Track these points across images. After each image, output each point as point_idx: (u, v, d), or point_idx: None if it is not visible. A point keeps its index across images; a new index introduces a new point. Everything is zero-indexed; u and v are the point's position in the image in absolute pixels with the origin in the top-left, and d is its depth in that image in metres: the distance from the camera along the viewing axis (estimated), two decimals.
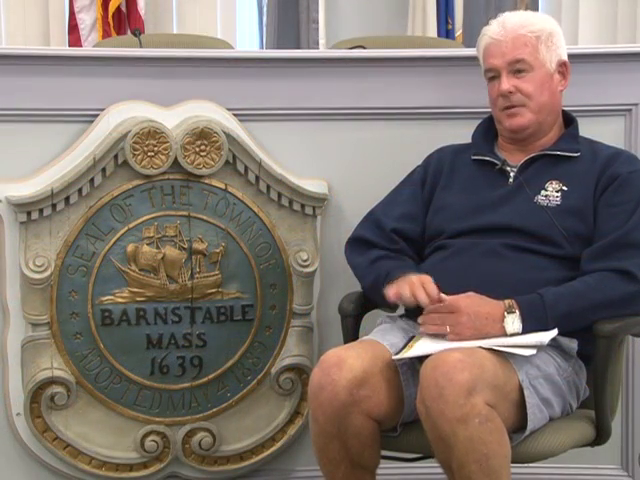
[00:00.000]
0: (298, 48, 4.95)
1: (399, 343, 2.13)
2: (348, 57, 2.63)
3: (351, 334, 2.30)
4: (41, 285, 2.43)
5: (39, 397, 2.47)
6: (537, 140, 2.31)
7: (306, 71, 2.56)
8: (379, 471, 2.13)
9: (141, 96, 2.49)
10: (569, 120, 2.36)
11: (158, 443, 2.53)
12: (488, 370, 1.94)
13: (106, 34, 4.76)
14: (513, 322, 2.06)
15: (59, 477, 2.56)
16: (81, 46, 4.73)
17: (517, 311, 2.07)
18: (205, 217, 2.50)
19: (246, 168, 2.50)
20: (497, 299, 2.09)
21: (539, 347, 2.04)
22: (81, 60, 2.51)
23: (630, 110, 2.61)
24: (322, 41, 5.08)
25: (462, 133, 2.43)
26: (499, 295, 2.09)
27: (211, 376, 2.54)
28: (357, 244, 2.35)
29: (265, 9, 5.21)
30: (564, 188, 2.24)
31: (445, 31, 5.22)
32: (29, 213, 2.41)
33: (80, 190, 2.43)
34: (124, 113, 2.46)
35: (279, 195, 2.53)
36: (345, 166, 2.60)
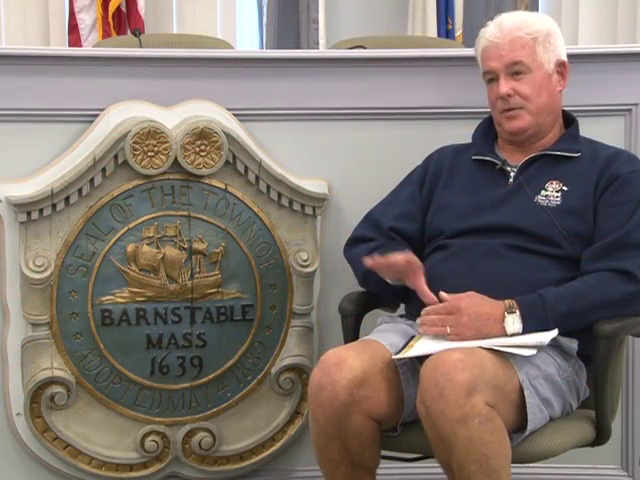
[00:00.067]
0: (298, 48, 4.95)
1: (399, 343, 2.13)
2: (348, 57, 2.63)
3: (351, 334, 2.30)
4: (41, 285, 2.43)
5: (39, 397, 2.47)
6: (537, 141, 2.30)
7: (306, 71, 2.56)
8: (379, 471, 2.13)
9: (141, 96, 2.49)
10: (570, 120, 2.36)
11: (158, 443, 2.53)
12: (488, 370, 1.94)
13: (106, 34, 4.76)
14: (513, 322, 2.06)
15: (59, 477, 2.56)
16: (81, 46, 4.73)
17: (517, 311, 2.07)
18: (205, 217, 2.50)
19: (246, 168, 2.50)
20: (497, 299, 2.09)
21: (539, 347, 2.04)
22: (81, 60, 2.51)
23: (630, 110, 2.61)
24: (322, 41, 5.08)
25: (462, 133, 2.43)
26: (499, 295, 2.09)
27: (211, 376, 2.54)
28: (356, 244, 2.35)
29: (265, 9, 5.20)
30: (564, 188, 2.24)
31: (445, 31, 5.22)
32: (29, 213, 2.41)
33: (80, 190, 2.43)
34: (124, 113, 2.46)
35: (279, 195, 2.53)
36: (345, 166, 2.60)
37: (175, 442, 2.54)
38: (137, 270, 2.47)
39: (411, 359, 2.08)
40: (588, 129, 2.38)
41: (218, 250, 2.50)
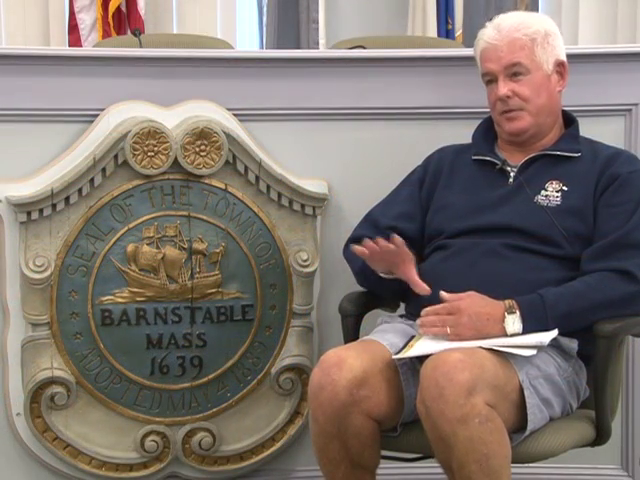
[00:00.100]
0: (298, 48, 4.95)
1: (399, 343, 2.13)
2: (348, 57, 2.63)
3: (351, 334, 2.30)
4: (41, 285, 2.43)
5: (39, 397, 2.47)
6: (537, 141, 2.30)
7: (306, 71, 2.56)
8: (379, 471, 2.13)
9: (141, 96, 2.49)
10: (570, 120, 2.36)
11: (158, 443, 2.53)
12: (488, 370, 1.94)
13: (106, 34, 4.76)
14: (513, 323, 2.06)
15: (59, 477, 2.56)
16: (81, 46, 4.73)
17: (517, 311, 2.07)
18: (205, 217, 2.50)
19: (246, 168, 2.50)
20: (497, 299, 2.09)
21: (539, 347, 2.04)
22: (81, 60, 2.51)
23: (630, 110, 2.61)
24: (322, 41, 5.08)
25: (462, 133, 2.43)
26: (499, 295, 2.09)
27: (211, 376, 2.54)
28: (354, 244, 2.35)
29: (265, 9, 5.21)
30: (564, 188, 2.24)
31: (445, 31, 5.22)
32: (29, 213, 2.41)
33: (80, 190, 2.43)
34: (124, 113, 2.46)
35: (279, 195, 2.53)
36: (345, 166, 2.60)
37: (175, 442, 2.54)
38: (137, 270, 2.47)
39: (411, 359, 2.08)
40: (588, 129, 2.38)
41: (218, 250, 2.50)
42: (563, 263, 2.18)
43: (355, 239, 2.35)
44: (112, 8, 4.77)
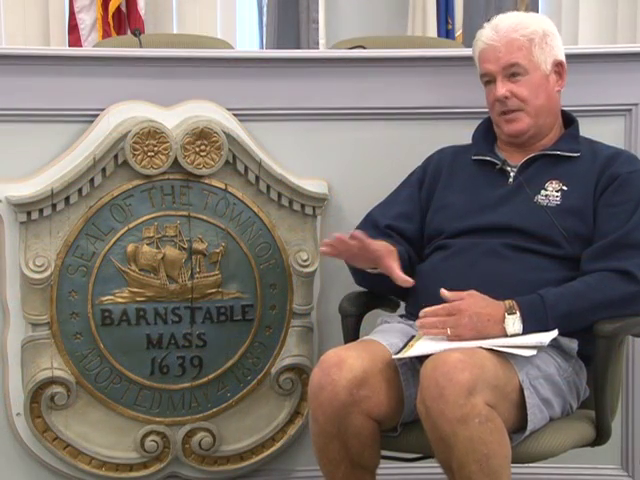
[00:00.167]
0: (298, 48, 4.95)
1: (399, 343, 2.13)
2: (348, 57, 2.63)
3: (351, 334, 2.30)
4: (41, 285, 2.43)
5: (39, 397, 2.47)
6: (537, 141, 2.31)
7: (306, 71, 2.56)
8: (379, 471, 2.13)
9: (141, 96, 2.49)
10: (569, 120, 2.36)
11: (158, 443, 2.53)
12: (488, 370, 1.94)
13: (106, 34, 4.76)
14: (514, 323, 2.06)
15: (59, 477, 2.56)
16: (81, 46, 4.73)
17: (518, 312, 2.06)
18: (205, 217, 2.50)
19: (246, 168, 2.50)
20: (497, 299, 2.09)
21: (539, 347, 2.04)
22: (81, 60, 2.51)
23: (630, 110, 2.61)
24: (322, 41, 5.08)
25: (462, 133, 2.43)
26: (499, 295, 2.09)
27: (211, 376, 2.54)
28: None
29: (265, 9, 5.21)
30: (564, 188, 2.24)
31: (445, 31, 5.22)
32: (29, 213, 2.41)
33: (80, 190, 2.43)
34: (124, 113, 2.46)
35: (279, 195, 2.53)
36: (345, 166, 2.60)
37: (175, 442, 2.54)
38: (137, 270, 2.47)
39: (411, 359, 2.08)
40: (588, 129, 2.38)
41: (218, 250, 2.50)
42: (563, 263, 2.18)
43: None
44: (112, 8, 4.77)
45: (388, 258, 2.18)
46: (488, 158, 2.32)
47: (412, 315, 2.23)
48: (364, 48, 2.97)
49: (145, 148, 2.43)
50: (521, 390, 2.01)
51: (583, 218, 2.20)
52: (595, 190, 2.22)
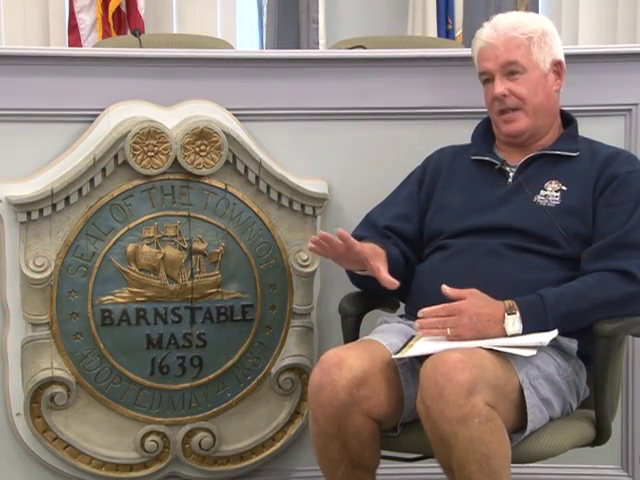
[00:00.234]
0: (298, 48, 4.95)
1: (399, 343, 2.13)
2: (348, 57, 2.63)
3: (351, 334, 2.30)
4: (41, 285, 2.43)
5: (39, 397, 2.47)
6: (536, 141, 2.31)
7: (306, 71, 2.56)
8: (379, 471, 2.13)
9: (141, 96, 2.49)
10: (568, 120, 2.36)
11: (158, 443, 2.53)
12: (488, 370, 1.94)
13: (106, 34, 4.76)
14: (513, 323, 2.06)
15: (59, 477, 2.56)
16: (81, 46, 4.73)
17: (517, 312, 2.06)
18: (205, 217, 2.50)
19: (246, 168, 2.50)
20: (497, 299, 2.09)
21: (539, 347, 2.04)
22: (81, 60, 2.51)
23: (630, 110, 2.61)
24: (322, 41, 5.08)
25: (462, 133, 2.43)
26: (499, 295, 2.09)
27: (211, 376, 2.54)
28: None
29: (265, 9, 5.21)
30: (563, 188, 2.24)
31: (445, 31, 5.22)
32: (29, 213, 2.41)
33: (80, 190, 2.43)
34: (124, 113, 2.46)
35: (279, 195, 2.53)
36: (345, 166, 2.60)
37: (175, 442, 2.54)
38: (137, 270, 2.47)
39: (411, 359, 2.08)
40: (588, 129, 2.38)
41: (218, 250, 2.50)
42: (563, 263, 2.18)
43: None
44: (112, 8, 4.77)
45: (374, 260, 2.18)
46: (487, 158, 2.32)
47: (412, 315, 2.23)
48: (364, 48, 2.97)
49: (145, 148, 2.43)
50: (521, 390, 2.01)
51: (582, 218, 2.20)
52: (594, 190, 2.22)
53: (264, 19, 5.21)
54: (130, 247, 2.46)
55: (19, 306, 2.46)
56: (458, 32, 5.20)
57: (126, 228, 2.47)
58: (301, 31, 5.13)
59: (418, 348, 2.06)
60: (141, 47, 2.94)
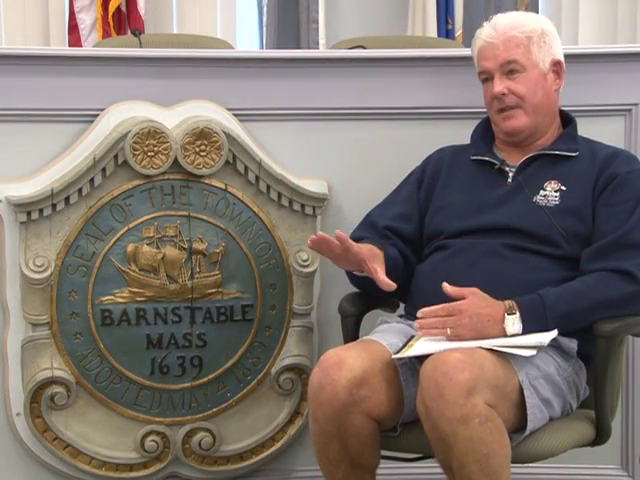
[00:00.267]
0: (298, 48, 4.95)
1: (399, 343, 2.13)
2: (348, 57, 2.63)
3: (351, 334, 2.30)
4: (41, 285, 2.43)
5: (39, 397, 2.47)
6: (535, 141, 2.31)
7: (306, 71, 2.56)
8: (379, 471, 2.13)
9: (141, 96, 2.49)
10: (568, 120, 2.36)
11: (158, 443, 2.53)
12: (488, 370, 1.94)
13: (106, 34, 4.76)
14: (513, 323, 2.06)
15: (59, 477, 2.56)
16: (81, 46, 4.73)
17: (517, 312, 2.06)
18: (205, 217, 2.50)
19: (246, 168, 2.50)
20: (497, 299, 2.09)
21: (539, 347, 2.04)
22: (81, 60, 2.51)
23: (630, 110, 2.61)
24: (322, 41, 5.08)
25: (461, 133, 2.43)
26: (499, 295, 2.09)
27: (211, 376, 2.54)
28: None
29: (265, 9, 5.21)
30: (563, 188, 2.24)
31: (445, 31, 5.22)
32: (29, 213, 2.41)
33: (80, 190, 2.43)
34: (124, 113, 2.46)
35: (279, 195, 2.53)
36: (345, 166, 2.60)
37: (175, 442, 2.54)
38: (137, 270, 2.47)
39: (411, 359, 2.08)
40: (588, 129, 2.38)
41: (218, 250, 2.50)
42: (562, 263, 2.18)
43: (354, 240, 2.35)
44: (112, 8, 4.77)
45: (372, 261, 2.18)
46: (487, 158, 2.32)
47: (411, 315, 2.23)
48: (364, 48, 2.97)
49: (145, 148, 2.43)
50: (521, 390, 2.01)
51: (582, 218, 2.20)
52: (594, 190, 2.22)
53: (264, 19, 5.21)
54: (130, 247, 2.46)
55: (19, 306, 2.46)
56: (458, 32, 5.20)
57: (126, 228, 2.47)
58: (301, 31, 5.13)
59: (418, 348, 2.06)
60: (141, 47, 2.94)
